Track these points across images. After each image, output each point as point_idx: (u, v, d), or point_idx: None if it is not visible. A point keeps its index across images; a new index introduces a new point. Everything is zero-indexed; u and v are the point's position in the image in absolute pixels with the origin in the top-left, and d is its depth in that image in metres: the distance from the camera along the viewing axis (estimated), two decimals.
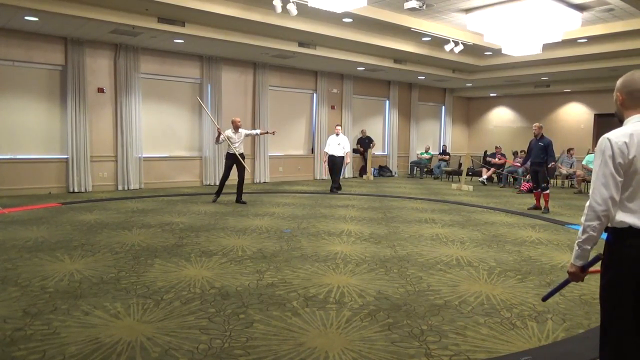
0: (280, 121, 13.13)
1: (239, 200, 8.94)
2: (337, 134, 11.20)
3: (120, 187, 10.52)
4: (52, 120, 9.85)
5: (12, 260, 4.79)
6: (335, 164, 11.10)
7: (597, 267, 2.17)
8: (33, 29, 9.09)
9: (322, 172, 14.09)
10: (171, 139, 11.49)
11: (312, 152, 14.19)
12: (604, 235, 2.11)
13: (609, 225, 2.03)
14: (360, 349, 3.01)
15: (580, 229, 2.04)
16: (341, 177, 11.75)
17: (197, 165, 11.86)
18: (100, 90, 10.32)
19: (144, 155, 10.86)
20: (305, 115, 14.02)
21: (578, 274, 2.12)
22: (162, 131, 11.31)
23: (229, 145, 8.77)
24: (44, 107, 9.76)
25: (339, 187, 11.17)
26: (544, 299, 2.53)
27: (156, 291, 3.97)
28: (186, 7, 7.92)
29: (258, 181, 12.68)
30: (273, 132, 9.56)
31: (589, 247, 2.04)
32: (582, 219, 2.03)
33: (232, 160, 8.76)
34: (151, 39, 9.82)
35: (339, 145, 11.08)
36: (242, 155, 8.82)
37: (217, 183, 11.89)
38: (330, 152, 11.10)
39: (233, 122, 8.87)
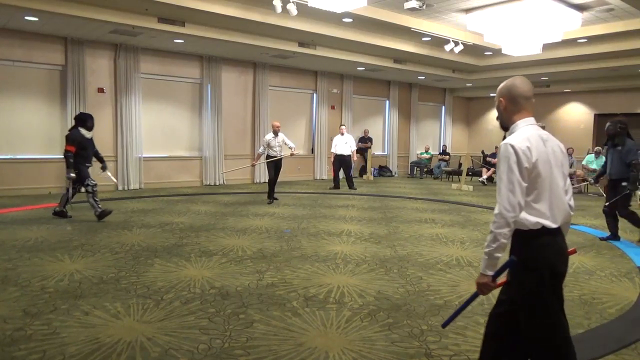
0: (280, 121, 13.01)
1: (272, 200, 9.08)
2: (342, 134, 11.59)
3: (120, 187, 10.52)
4: (52, 120, 9.85)
5: (12, 260, 4.79)
6: (344, 162, 11.47)
7: (502, 278, 2.19)
8: (33, 29, 9.09)
9: (323, 172, 14.10)
10: (171, 139, 11.49)
11: (312, 152, 14.19)
12: None
13: (521, 228, 2.05)
14: (360, 349, 3.01)
15: (490, 237, 2.03)
16: (341, 177, 11.84)
17: (197, 165, 11.86)
18: (100, 90, 10.32)
19: (144, 155, 10.86)
20: (305, 116, 14.02)
21: (489, 285, 2.08)
22: (162, 131, 11.31)
23: (266, 149, 9.01)
24: (44, 107, 9.76)
25: (351, 186, 11.51)
26: (444, 325, 2.48)
27: (156, 291, 3.96)
28: (186, 7, 7.92)
29: (258, 181, 12.68)
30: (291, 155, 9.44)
31: (500, 255, 2.04)
32: (492, 227, 2.02)
33: (273, 163, 8.99)
34: (151, 39, 9.81)
35: (346, 144, 11.45)
36: (280, 158, 9.08)
37: (218, 183, 11.95)
38: (339, 152, 11.43)
39: (273, 127, 9.09)
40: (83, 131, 6.83)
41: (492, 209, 8.99)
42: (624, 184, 5.93)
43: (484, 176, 13.85)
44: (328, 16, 8.86)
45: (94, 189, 6.84)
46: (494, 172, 14.04)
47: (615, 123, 6.02)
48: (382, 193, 11.10)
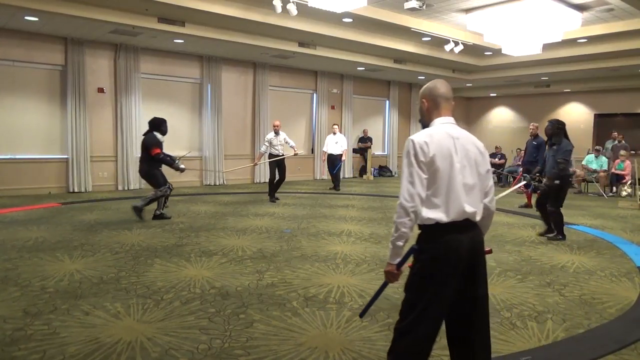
0: (281, 121, 13.06)
1: (272, 198, 9.28)
2: (335, 133, 11.48)
3: (120, 187, 10.52)
4: (52, 120, 9.85)
5: (12, 260, 4.79)
6: (333, 162, 11.32)
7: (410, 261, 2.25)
8: (33, 29, 9.09)
9: (322, 171, 14.10)
10: (171, 139, 11.42)
11: (312, 152, 14.19)
12: None
13: (419, 222, 2.14)
14: (360, 349, 3.01)
15: (394, 227, 2.12)
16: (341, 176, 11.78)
17: (197, 165, 11.85)
18: (100, 90, 10.32)
19: None
20: (305, 115, 14.02)
21: (394, 272, 2.20)
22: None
23: (268, 147, 9.22)
24: (44, 107, 9.76)
25: (337, 186, 11.33)
26: (361, 315, 2.53)
27: (156, 291, 3.96)
28: (186, 7, 7.92)
29: (258, 181, 12.68)
30: (295, 154, 9.80)
31: (402, 244, 2.12)
32: (394, 217, 2.12)
33: (276, 162, 9.16)
34: (151, 39, 9.81)
35: (337, 143, 11.30)
36: (282, 156, 9.27)
37: (219, 183, 11.95)
38: (330, 151, 11.32)
39: (273, 126, 9.34)
40: (158, 135, 7.01)
41: None
42: (556, 181, 6.15)
43: None
44: (328, 16, 8.86)
45: (167, 192, 7.11)
46: (494, 172, 14.05)
47: (554, 123, 6.26)
48: (382, 193, 11.10)
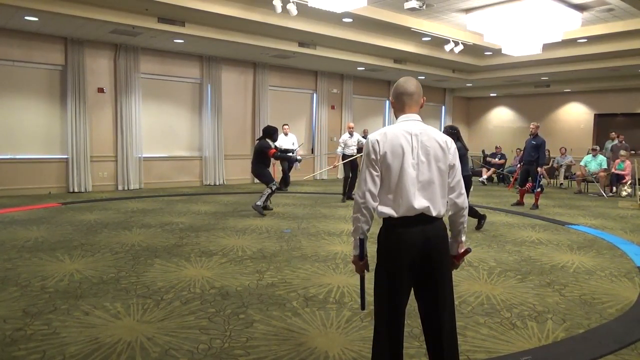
0: (280, 121, 13.08)
1: (350, 196, 9.56)
2: (286, 134, 11.01)
3: (120, 187, 10.52)
4: (52, 120, 9.85)
5: (12, 260, 4.79)
6: (290, 162, 10.60)
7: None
8: (33, 29, 9.09)
9: (324, 172, 14.09)
10: (171, 139, 11.49)
11: (312, 152, 14.19)
12: None
13: (378, 217, 2.25)
14: (360, 349, 3.01)
15: (352, 222, 2.28)
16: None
17: (197, 165, 11.86)
18: (100, 90, 10.32)
19: (144, 155, 10.86)
20: (305, 115, 14.02)
21: (357, 263, 2.35)
22: (162, 131, 11.31)
23: (343, 148, 9.54)
24: (44, 107, 9.76)
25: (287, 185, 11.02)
26: (362, 307, 2.60)
27: (156, 291, 3.97)
28: (186, 7, 7.92)
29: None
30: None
31: (358, 237, 2.27)
32: (352, 213, 2.27)
33: (350, 162, 9.50)
34: (151, 39, 9.81)
35: (293, 145, 10.80)
36: (356, 157, 9.60)
37: (218, 183, 11.95)
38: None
39: (348, 127, 9.80)
40: (269, 142, 7.84)
41: (492, 209, 8.99)
42: None
43: (484, 176, 13.83)
44: (328, 16, 8.86)
45: (274, 188, 7.90)
46: (494, 172, 14.05)
47: (447, 129, 6.72)
48: None
